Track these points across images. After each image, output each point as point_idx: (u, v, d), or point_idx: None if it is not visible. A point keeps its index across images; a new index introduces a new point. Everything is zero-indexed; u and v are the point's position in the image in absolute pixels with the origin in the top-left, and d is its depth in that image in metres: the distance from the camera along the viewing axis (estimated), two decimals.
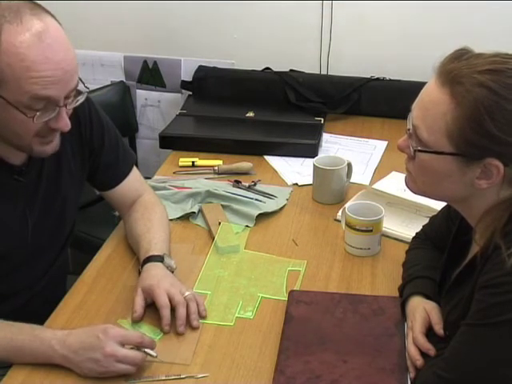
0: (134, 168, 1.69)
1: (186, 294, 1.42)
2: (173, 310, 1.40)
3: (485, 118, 1.06)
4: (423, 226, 1.54)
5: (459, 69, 1.10)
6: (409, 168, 1.22)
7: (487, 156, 1.09)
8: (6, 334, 1.30)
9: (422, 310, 1.31)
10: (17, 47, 1.20)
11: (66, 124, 1.32)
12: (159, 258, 1.50)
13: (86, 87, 1.37)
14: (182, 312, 1.39)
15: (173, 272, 1.50)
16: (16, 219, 1.42)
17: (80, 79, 1.32)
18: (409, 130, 1.19)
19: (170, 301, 1.40)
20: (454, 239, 1.31)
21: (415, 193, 1.26)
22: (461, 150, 1.10)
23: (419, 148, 1.15)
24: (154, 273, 1.46)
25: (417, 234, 1.55)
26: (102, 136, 1.57)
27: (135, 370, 1.27)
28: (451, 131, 1.10)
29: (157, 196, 1.74)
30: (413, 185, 1.24)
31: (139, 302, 1.41)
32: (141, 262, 1.52)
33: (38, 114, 1.26)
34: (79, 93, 1.34)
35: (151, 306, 1.43)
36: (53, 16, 1.28)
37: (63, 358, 1.27)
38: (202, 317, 1.43)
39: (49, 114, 1.28)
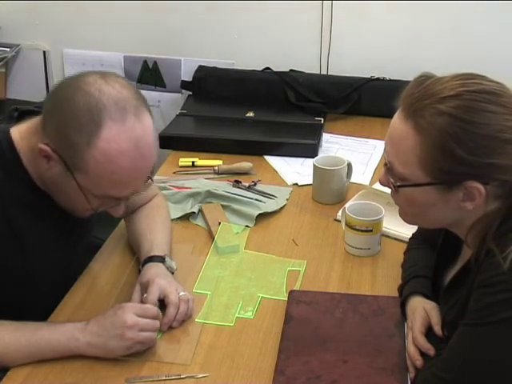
0: None
1: (181, 293, 1.42)
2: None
3: (453, 146, 1.07)
4: (418, 227, 1.54)
5: (419, 100, 1.10)
6: (396, 201, 1.24)
7: (465, 180, 1.09)
8: (25, 331, 1.30)
9: (422, 310, 1.31)
10: (111, 148, 1.20)
11: (120, 214, 1.35)
12: (160, 259, 1.50)
13: (150, 178, 1.35)
14: (171, 312, 1.39)
15: (173, 273, 1.50)
16: (48, 242, 1.42)
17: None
18: (386, 165, 1.20)
19: (164, 298, 1.40)
20: (444, 239, 1.32)
21: (409, 223, 1.29)
22: (438, 178, 1.11)
23: (398, 183, 1.16)
24: (154, 271, 1.46)
25: (413, 234, 1.55)
26: None
27: (156, 336, 1.33)
28: (424, 162, 1.10)
29: (164, 198, 1.74)
30: (404, 216, 1.26)
31: (136, 298, 1.41)
32: (141, 261, 1.52)
33: (100, 206, 1.30)
34: (143, 187, 1.34)
35: None
36: (149, 111, 1.28)
37: (88, 346, 1.29)
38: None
39: (110, 204, 1.31)
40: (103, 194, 1.27)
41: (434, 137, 1.08)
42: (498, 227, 1.10)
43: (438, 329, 1.26)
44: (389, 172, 1.19)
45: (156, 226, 1.60)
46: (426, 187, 1.13)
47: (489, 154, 1.07)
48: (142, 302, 1.39)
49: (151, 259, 1.49)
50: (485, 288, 1.09)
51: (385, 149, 1.19)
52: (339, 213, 1.77)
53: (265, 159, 2.15)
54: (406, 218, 1.26)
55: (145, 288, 1.42)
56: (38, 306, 1.46)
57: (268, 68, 2.55)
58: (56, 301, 1.49)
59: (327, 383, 1.24)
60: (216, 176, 2.04)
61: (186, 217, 1.81)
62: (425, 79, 1.13)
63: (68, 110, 1.21)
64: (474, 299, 1.11)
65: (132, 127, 1.22)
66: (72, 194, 1.28)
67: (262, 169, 2.09)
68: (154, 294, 1.39)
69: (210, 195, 1.88)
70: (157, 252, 1.51)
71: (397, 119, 1.14)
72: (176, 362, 1.32)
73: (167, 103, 2.76)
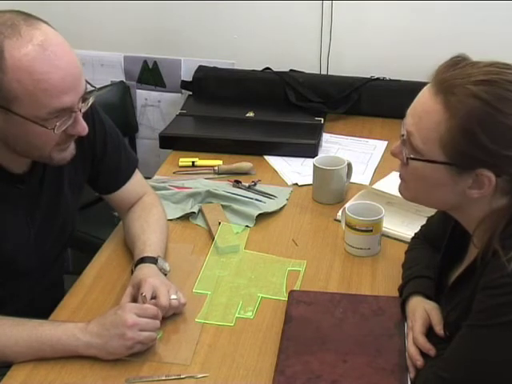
0: (136, 171, 1.68)
1: (173, 297, 1.41)
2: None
3: (478, 130, 1.06)
4: (421, 227, 1.54)
5: (453, 78, 1.09)
6: (402, 174, 1.23)
7: (479, 166, 1.09)
8: (27, 326, 1.31)
9: (423, 311, 1.31)
10: (22, 61, 1.19)
11: (83, 128, 1.32)
12: (153, 260, 1.49)
13: (92, 86, 1.35)
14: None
15: (166, 275, 1.49)
16: (18, 227, 1.42)
17: (85, 80, 1.31)
18: (402, 135, 1.18)
19: (155, 299, 1.39)
20: (449, 239, 1.32)
21: (408, 199, 1.27)
22: (453, 159, 1.10)
23: (412, 156, 1.15)
24: (146, 271, 1.46)
25: (415, 234, 1.55)
26: (104, 141, 1.56)
27: (156, 336, 1.33)
28: (445, 141, 1.10)
29: (157, 197, 1.74)
30: (405, 191, 1.24)
31: (126, 301, 1.40)
32: (134, 262, 1.51)
33: (57, 124, 1.26)
34: (88, 93, 1.33)
35: None
36: (46, 22, 1.27)
37: (88, 346, 1.29)
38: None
39: (66, 121, 1.28)
40: (49, 110, 1.24)
41: (461, 117, 1.07)
42: (505, 228, 1.10)
43: (438, 329, 1.26)
44: (404, 143, 1.17)
45: (149, 226, 1.60)
46: (439, 165, 1.12)
47: (509, 147, 1.07)
48: (141, 300, 1.38)
49: (143, 260, 1.49)
50: (489, 290, 1.09)
51: (404, 120, 1.17)
52: (339, 213, 1.77)
53: (265, 159, 2.15)
54: (408, 193, 1.24)
55: (137, 289, 1.41)
56: (20, 294, 1.47)
57: (268, 68, 2.55)
58: (39, 291, 1.51)
59: (327, 383, 1.24)
60: (216, 176, 2.04)
61: (186, 217, 1.81)
62: (461, 59, 1.12)
63: None
64: (477, 300, 1.11)
65: (30, 35, 1.21)
66: (28, 134, 1.26)
67: (262, 169, 2.09)
68: (146, 293, 1.38)
69: (210, 195, 1.88)
70: (149, 253, 1.51)
71: (426, 93, 1.13)
72: (176, 362, 1.32)
73: (167, 103, 2.76)
